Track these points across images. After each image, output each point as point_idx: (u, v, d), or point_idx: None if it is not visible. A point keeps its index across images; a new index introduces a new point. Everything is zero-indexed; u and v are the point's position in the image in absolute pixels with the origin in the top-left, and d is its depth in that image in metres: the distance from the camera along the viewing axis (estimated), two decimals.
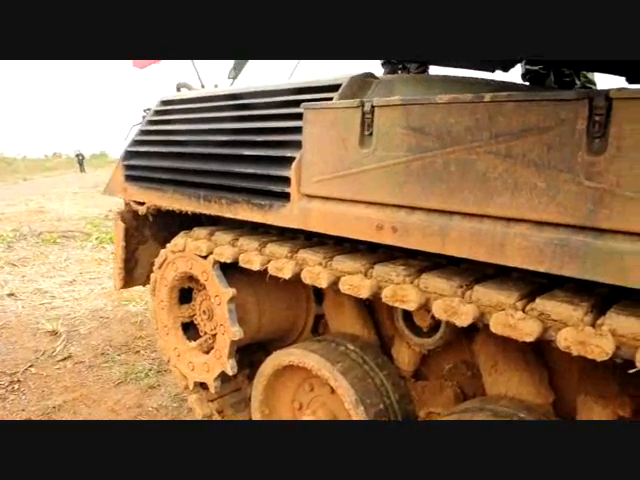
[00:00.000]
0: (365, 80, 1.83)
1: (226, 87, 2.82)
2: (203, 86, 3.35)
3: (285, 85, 1.97)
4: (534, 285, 1.31)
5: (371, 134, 1.47)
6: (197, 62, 3.39)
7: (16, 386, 3.08)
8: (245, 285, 2.26)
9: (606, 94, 1.05)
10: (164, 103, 2.66)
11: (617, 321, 1.06)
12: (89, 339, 3.77)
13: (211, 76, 3.41)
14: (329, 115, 1.59)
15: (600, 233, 1.07)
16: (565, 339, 1.10)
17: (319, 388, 2.04)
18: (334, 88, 1.79)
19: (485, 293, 1.27)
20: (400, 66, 3.22)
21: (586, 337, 1.08)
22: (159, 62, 3.99)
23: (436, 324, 1.75)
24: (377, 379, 1.93)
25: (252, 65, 3.71)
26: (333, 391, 1.91)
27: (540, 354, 1.63)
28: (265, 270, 1.86)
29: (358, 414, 1.80)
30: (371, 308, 2.11)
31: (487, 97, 1.23)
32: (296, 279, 1.75)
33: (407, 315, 1.88)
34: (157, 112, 2.64)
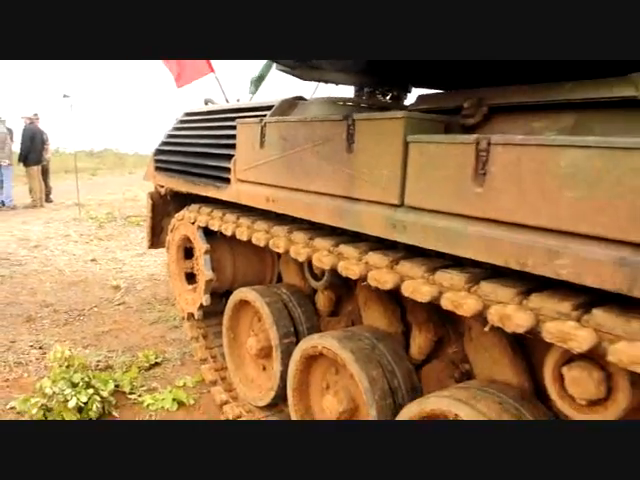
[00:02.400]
0: (293, 102, 2.56)
1: (242, 101, 3.64)
2: (227, 100, 4.19)
3: (238, 105, 2.76)
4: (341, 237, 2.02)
5: (264, 141, 2.23)
6: (222, 79, 4.24)
7: (81, 318, 4.09)
8: (224, 247, 3.07)
9: (352, 117, 1.76)
10: (186, 114, 3.51)
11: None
12: (141, 293, 4.76)
13: (235, 91, 4.24)
14: (247, 128, 2.36)
15: (353, 200, 1.78)
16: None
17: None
18: (269, 108, 2.54)
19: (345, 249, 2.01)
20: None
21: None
22: (192, 82, 4.89)
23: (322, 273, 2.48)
24: (296, 313, 2.66)
25: (273, 80, 4.51)
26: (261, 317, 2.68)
27: (395, 297, 2.28)
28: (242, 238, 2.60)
29: (272, 332, 2.55)
30: (302, 265, 2.85)
31: (309, 118, 1.96)
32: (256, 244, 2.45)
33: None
34: (180, 121, 3.50)
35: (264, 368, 2.81)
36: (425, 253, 1.65)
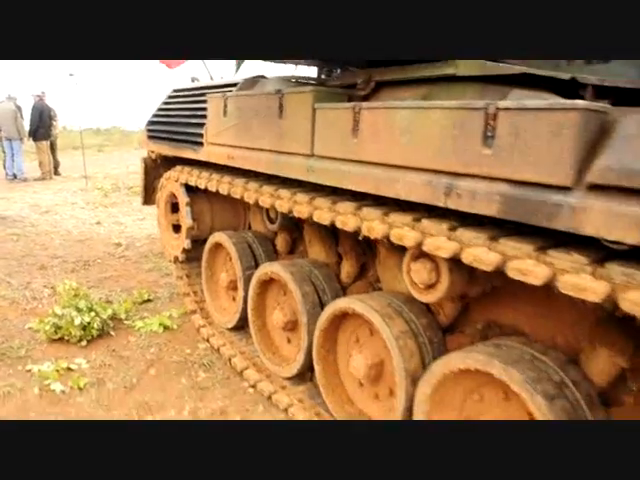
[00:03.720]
0: (255, 80, 3.09)
1: (226, 79, 4.15)
2: (212, 78, 4.71)
3: (212, 83, 3.30)
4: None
5: (226, 111, 2.78)
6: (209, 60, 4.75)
7: (86, 267, 4.68)
8: (203, 201, 3.63)
9: (282, 92, 2.29)
10: (174, 91, 4.03)
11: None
12: (139, 249, 5.34)
13: (222, 70, 4.76)
14: (214, 101, 2.90)
15: (282, 153, 2.33)
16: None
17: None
18: (235, 85, 3.08)
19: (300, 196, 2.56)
20: None
21: None
22: (184, 62, 5.39)
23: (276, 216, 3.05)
24: (258, 252, 3.22)
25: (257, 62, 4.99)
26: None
27: (334, 235, 2.78)
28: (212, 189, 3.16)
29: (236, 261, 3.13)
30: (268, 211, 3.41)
31: (256, 92, 2.50)
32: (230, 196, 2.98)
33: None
34: (168, 97, 4.02)
35: (233, 299, 3.39)
36: (360, 197, 2.13)
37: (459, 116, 1.50)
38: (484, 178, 1.45)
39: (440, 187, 1.57)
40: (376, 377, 2.23)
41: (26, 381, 2.74)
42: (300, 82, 2.88)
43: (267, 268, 2.77)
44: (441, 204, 1.58)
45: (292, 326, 2.74)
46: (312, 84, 2.75)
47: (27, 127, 10.60)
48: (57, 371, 2.81)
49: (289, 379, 2.74)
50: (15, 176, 10.48)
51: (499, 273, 1.47)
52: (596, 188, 1.22)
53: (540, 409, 1.52)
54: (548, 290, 1.34)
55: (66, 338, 3.16)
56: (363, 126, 1.85)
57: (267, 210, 3.16)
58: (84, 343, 3.17)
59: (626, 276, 1.21)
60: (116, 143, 20.28)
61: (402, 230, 1.75)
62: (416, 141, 1.65)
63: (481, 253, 1.51)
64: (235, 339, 3.23)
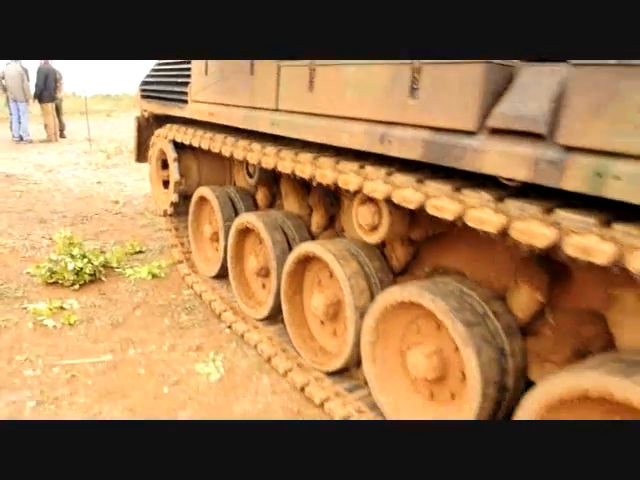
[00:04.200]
0: None
1: None
2: None
3: None
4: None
5: (207, 70, 2.94)
6: None
7: (84, 221, 4.90)
8: (191, 157, 3.81)
9: None
10: None
11: None
12: (137, 206, 5.55)
13: None
14: (198, 63, 3.06)
15: (253, 108, 2.50)
16: None
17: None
18: None
19: (268, 149, 2.74)
20: None
21: None
22: None
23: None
24: (238, 205, 3.42)
25: None
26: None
27: (306, 188, 2.95)
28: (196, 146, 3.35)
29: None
30: (248, 166, 3.59)
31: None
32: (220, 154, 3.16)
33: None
34: (158, 63, 4.19)
35: (216, 249, 3.60)
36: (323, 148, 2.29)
37: (392, 71, 1.67)
38: (410, 126, 1.63)
39: (376, 135, 1.75)
40: (334, 315, 2.44)
41: (22, 317, 2.98)
42: None
43: (243, 218, 2.97)
44: (377, 150, 1.77)
45: (265, 272, 2.95)
46: None
47: (33, 90, 10.73)
48: (50, 309, 3.04)
49: (262, 320, 2.96)
50: (21, 138, 10.66)
51: (436, 218, 1.64)
52: (495, 132, 1.40)
53: (460, 335, 1.73)
54: (483, 236, 1.51)
55: (60, 282, 3.39)
56: (317, 82, 2.02)
57: (247, 166, 3.34)
58: (77, 287, 3.40)
59: (520, 210, 1.40)
60: (124, 109, 20.34)
61: (348, 176, 1.94)
62: (359, 94, 1.82)
63: (408, 194, 1.70)
64: (217, 286, 3.45)
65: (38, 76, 10.63)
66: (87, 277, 3.44)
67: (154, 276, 3.67)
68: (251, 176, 3.32)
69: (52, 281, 3.40)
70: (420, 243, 2.29)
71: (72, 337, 2.82)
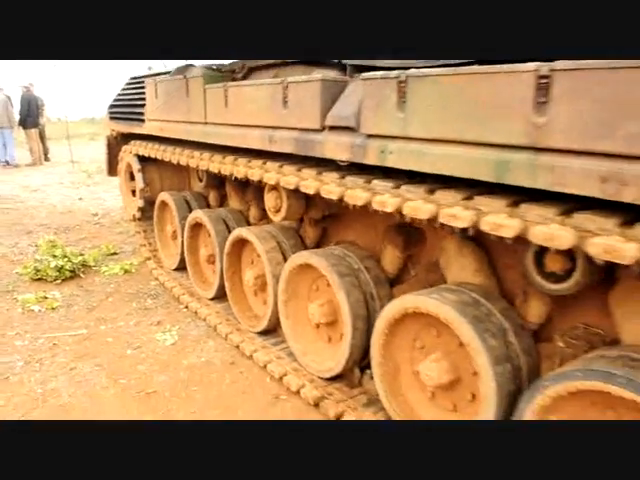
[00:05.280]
0: (185, 67, 3.84)
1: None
2: (165, 66, 5.45)
3: (155, 71, 4.08)
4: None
5: (157, 93, 3.55)
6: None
7: (66, 231, 5.49)
8: (154, 168, 4.42)
9: (187, 77, 3.07)
10: (131, 78, 4.80)
11: None
12: (113, 217, 6.15)
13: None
14: (150, 85, 3.66)
15: (189, 123, 3.11)
16: None
17: None
18: (168, 73, 3.85)
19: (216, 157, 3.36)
20: None
21: None
22: None
23: (205, 177, 3.84)
24: (193, 206, 4.01)
25: None
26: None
27: (244, 188, 3.60)
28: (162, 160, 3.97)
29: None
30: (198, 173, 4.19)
31: (175, 77, 3.28)
32: (178, 164, 3.80)
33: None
34: (126, 83, 4.79)
35: (177, 245, 4.19)
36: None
37: (272, 89, 2.29)
38: (286, 129, 2.25)
39: (266, 137, 2.37)
40: (262, 286, 3.03)
41: (12, 305, 3.56)
42: (213, 69, 3.65)
43: (193, 214, 3.57)
44: (267, 148, 2.38)
45: (213, 259, 3.54)
46: (219, 70, 3.52)
47: (17, 117, 11.31)
48: (36, 298, 3.61)
49: (212, 299, 3.54)
50: (7, 162, 11.25)
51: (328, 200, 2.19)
52: (331, 128, 2.01)
53: (334, 283, 2.32)
54: (370, 213, 1.94)
55: (44, 278, 3.97)
56: (230, 100, 2.63)
57: (198, 172, 3.95)
58: (59, 281, 3.98)
59: (352, 182, 2.00)
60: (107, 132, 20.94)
61: (254, 170, 2.55)
62: (254, 108, 2.44)
63: (290, 179, 2.30)
64: (177, 276, 4.04)
65: (21, 103, 11.24)
66: (67, 273, 4.02)
67: (126, 271, 4.25)
68: (201, 181, 3.93)
69: (37, 277, 3.97)
70: (327, 223, 2.89)
71: (54, 318, 3.39)
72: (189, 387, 2.64)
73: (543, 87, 1.28)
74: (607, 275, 1.60)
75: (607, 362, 1.46)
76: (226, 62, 3.51)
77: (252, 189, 3.31)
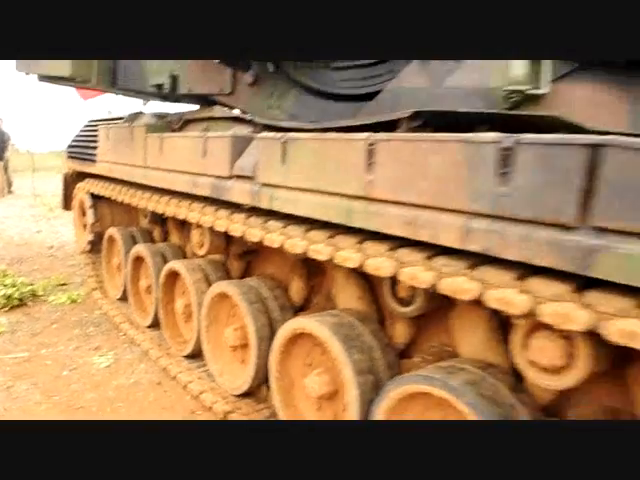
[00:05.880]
0: (135, 115, 4.26)
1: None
2: (110, 112, 5.86)
3: (109, 117, 4.48)
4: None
5: (108, 137, 3.94)
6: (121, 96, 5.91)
7: (20, 262, 5.74)
8: (105, 205, 4.76)
9: (133, 125, 3.48)
10: (89, 121, 5.19)
11: None
12: (67, 250, 6.41)
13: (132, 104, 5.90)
14: (102, 130, 4.05)
15: (132, 166, 3.49)
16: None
17: None
18: (122, 119, 4.25)
19: (157, 197, 3.73)
20: None
21: None
22: (96, 96, 6.55)
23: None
24: (139, 241, 4.35)
25: None
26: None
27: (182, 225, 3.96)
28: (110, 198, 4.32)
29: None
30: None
31: (124, 124, 3.68)
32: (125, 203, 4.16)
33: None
34: (84, 126, 5.18)
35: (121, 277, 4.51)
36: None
37: (196, 142, 2.70)
38: (205, 175, 2.64)
39: (191, 182, 2.76)
40: (190, 314, 3.36)
41: None
42: (160, 116, 4.08)
43: (135, 248, 3.91)
44: (192, 192, 2.77)
45: (151, 290, 3.87)
46: (164, 116, 3.93)
47: None
48: None
49: (148, 327, 3.85)
50: None
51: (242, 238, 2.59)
52: (237, 177, 2.41)
53: (243, 309, 2.68)
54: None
55: None
56: (165, 147, 3.03)
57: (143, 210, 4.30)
58: (7, 309, 4.23)
59: (254, 222, 2.39)
60: None
61: (179, 209, 2.93)
62: (182, 156, 2.84)
63: (208, 218, 2.69)
64: (120, 306, 4.33)
65: None
66: (16, 301, 4.28)
67: (73, 301, 4.53)
68: (146, 217, 4.28)
69: None
70: (251, 257, 3.27)
71: None
72: (115, 403, 2.93)
73: (371, 153, 1.70)
74: (449, 300, 2.00)
75: (435, 370, 1.85)
76: (171, 112, 3.94)
77: (188, 226, 3.68)
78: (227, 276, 3.29)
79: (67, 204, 5.29)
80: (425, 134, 1.58)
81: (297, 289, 2.80)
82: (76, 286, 5.00)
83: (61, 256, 6.14)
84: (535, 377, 1.50)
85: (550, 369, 1.45)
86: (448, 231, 1.48)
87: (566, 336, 1.40)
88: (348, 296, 2.44)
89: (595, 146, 1.18)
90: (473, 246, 1.43)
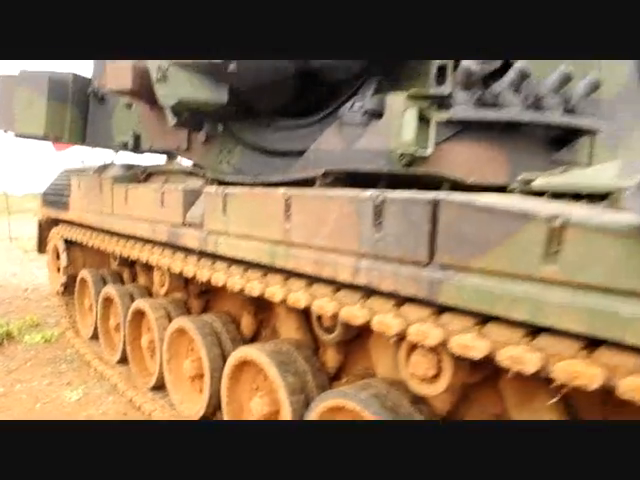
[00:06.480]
0: (107, 165, 4.65)
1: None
2: (83, 162, 6.25)
3: (82, 167, 4.86)
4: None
5: (80, 187, 4.31)
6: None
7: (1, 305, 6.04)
8: (78, 249, 5.09)
9: (102, 176, 3.86)
10: (65, 171, 5.56)
11: None
12: (42, 293, 6.69)
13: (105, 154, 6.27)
14: (74, 179, 4.42)
15: (101, 213, 3.86)
16: None
17: None
18: (95, 170, 4.62)
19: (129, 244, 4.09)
20: None
21: None
22: (68, 147, 6.93)
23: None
24: (109, 282, 4.68)
25: None
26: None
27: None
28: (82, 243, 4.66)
29: None
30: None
31: (95, 175, 4.07)
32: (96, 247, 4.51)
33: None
34: (59, 175, 5.54)
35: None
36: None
37: (155, 193, 3.08)
38: (163, 222, 3.02)
39: (151, 229, 3.13)
40: (155, 349, 3.68)
41: None
42: (128, 167, 4.46)
43: (105, 289, 4.24)
44: (152, 237, 3.14)
45: (119, 328, 4.18)
46: (131, 168, 4.31)
47: None
48: None
49: (117, 362, 4.15)
50: None
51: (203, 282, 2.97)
52: (189, 225, 2.79)
53: (198, 342, 3.01)
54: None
55: None
56: (129, 197, 3.41)
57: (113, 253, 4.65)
58: None
59: (203, 264, 2.76)
60: None
61: (142, 253, 3.29)
62: (144, 205, 3.22)
63: (166, 260, 3.05)
64: (91, 344, 4.62)
65: None
66: None
67: (46, 340, 4.82)
68: (116, 260, 4.63)
69: None
70: (210, 296, 3.62)
71: None
72: None
73: (288, 206, 2.09)
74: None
75: (351, 387, 2.20)
76: (138, 163, 4.32)
77: (152, 268, 4.03)
78: (188, 313, 3.62)
79: (42, 247, 5.61)
80: (326, 190, 1.99)
81: (247, 323, 3.15)
82: (50, 326, 5.29)
83: (36, 298, 6.42)
84: (415, 386, 1.87)
85: (425, 379, 1.82)
86: (343, 269, 1.86)
87: (436, 352, 1.77)
88: (288, 327, 2.79)
89: (435, 201, 1.58)
90: (361, 280, 1.81)
